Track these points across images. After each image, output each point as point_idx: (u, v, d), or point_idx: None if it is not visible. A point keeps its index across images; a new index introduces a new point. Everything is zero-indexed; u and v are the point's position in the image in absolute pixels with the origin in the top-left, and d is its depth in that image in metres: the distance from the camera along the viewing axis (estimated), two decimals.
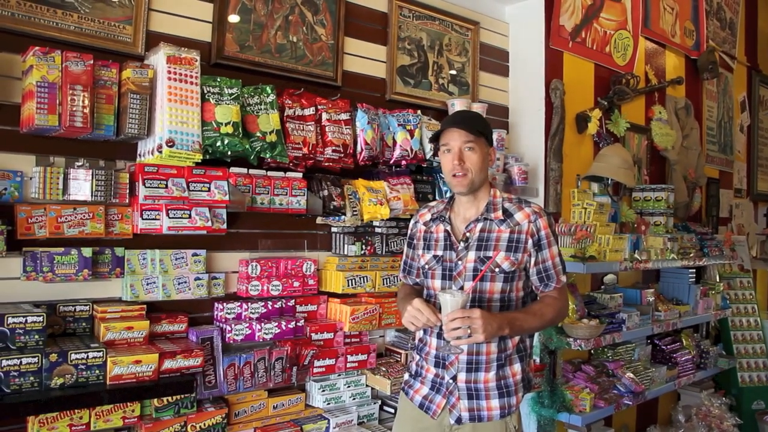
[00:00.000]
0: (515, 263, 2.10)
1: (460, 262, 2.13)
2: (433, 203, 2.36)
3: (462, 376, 2.12)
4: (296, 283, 2.75)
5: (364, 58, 3.19)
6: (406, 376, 2.33)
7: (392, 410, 3.00)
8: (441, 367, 2.16)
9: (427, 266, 2.23)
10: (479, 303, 2.09)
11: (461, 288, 2.09)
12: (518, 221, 2.12)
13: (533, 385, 2.29)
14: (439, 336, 2.12)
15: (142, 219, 2.29)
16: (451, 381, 2.14)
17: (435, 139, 2.20)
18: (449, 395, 2.14)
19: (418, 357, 2.28)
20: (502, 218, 2.13)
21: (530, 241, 2.12)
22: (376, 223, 3.08)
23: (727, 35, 5.70)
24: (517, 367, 2.16)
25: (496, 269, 2.09)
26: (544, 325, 2.19)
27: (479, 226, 2.14)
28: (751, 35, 6.20)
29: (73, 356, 2.04)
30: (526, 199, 2.22)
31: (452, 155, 2.11)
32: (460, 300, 1.91)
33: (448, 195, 2.48)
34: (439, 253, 2.19)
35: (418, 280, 2.37)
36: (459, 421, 2.12)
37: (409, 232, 2.39)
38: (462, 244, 2.14)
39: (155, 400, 2.30)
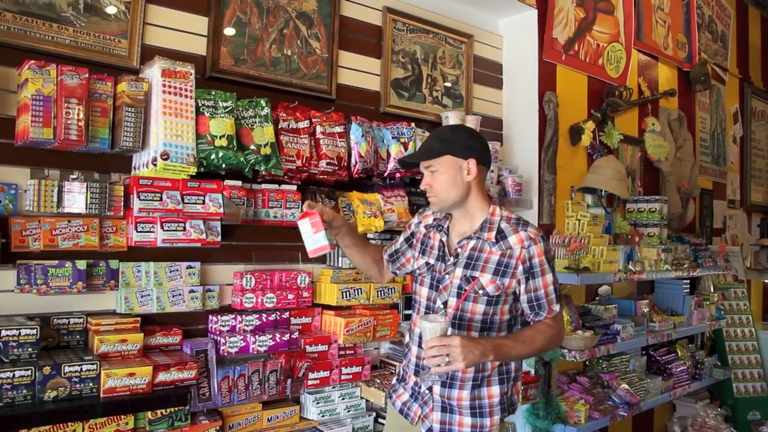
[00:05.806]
0: (500, 288, 2.05)
1: (447, 276, 2.11)
2: None
3: (437, 389, 2.12)
4: (290, 296, 2.75)
5: (359, 71, 3.21)
6: (394, 380, 2.35)
7: None
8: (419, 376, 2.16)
9: (418, 271, 2.24)
10: (460, 321, 2.07)
11: (445, 303, 2.09)
12: (511, 245, 2.05)
13: (516, 407, 2.25)
14: (419, 345, 2.09)
15: (137, 231, 2.29)
16: (427, 391, 2.15)
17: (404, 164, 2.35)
18: (424, 405, 2.15)
19: (404, 361, 2.30)
20: (494, 240, 2.07)
21: (520, 268, 2.04)
22: (370, 235, 3.08)
23: (719, 47, 5.75)
24: (495, 389, 2.11)
25: (480, 291, 2.05)
26: (534, 353, 2.12)
27: (471, 243, 2.10)
28: (743, 47, 6.26)
29: (67, 369, 2.03)
30: (526, 221, 2.12)
31: (424, 180, 2.16)
32: (438, 328, 1.88)
33: None
34: (432, 261, 2.18)
35: (398, 271, 2.38)
36: (430, 431, 2.13)
37: (411, 227, 2.35)
38: (452, 258, 2.13)
39: (149, 412, 2.29)
